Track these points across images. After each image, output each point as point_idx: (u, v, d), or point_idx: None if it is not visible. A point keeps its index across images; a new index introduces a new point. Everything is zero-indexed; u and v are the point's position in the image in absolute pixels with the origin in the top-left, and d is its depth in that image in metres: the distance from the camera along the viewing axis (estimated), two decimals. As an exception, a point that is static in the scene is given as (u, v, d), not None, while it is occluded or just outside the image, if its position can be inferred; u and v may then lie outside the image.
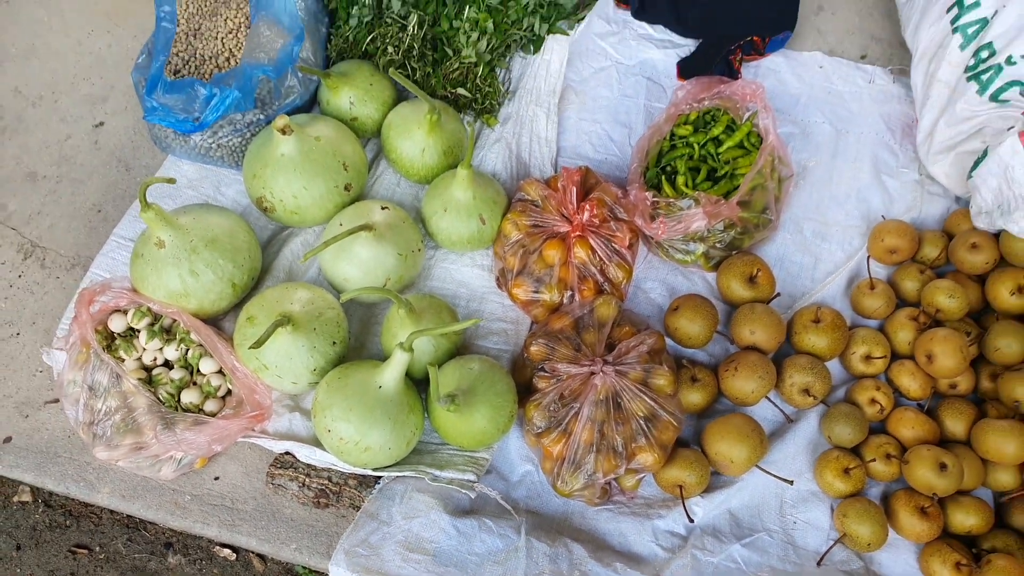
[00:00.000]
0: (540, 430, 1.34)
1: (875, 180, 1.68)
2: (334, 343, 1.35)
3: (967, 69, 1.51)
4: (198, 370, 1.36)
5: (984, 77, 1.48)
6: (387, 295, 1.29)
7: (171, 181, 1.31)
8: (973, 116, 1.50)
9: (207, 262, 1.35)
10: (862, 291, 1.52)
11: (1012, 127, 1.41)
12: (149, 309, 1.37)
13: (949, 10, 1.55)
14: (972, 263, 1.50)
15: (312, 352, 1.31)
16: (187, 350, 1.37)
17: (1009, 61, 1.45)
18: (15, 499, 1.47)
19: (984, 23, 1.49)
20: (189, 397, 1.33)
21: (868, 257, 1.56)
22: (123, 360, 1.36)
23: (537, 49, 1.76)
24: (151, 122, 1.46)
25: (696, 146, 1.60)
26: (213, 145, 1.55)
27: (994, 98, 1.47)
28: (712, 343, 1.50)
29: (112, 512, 1.62)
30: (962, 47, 1.52)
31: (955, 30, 1.53)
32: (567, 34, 1.77)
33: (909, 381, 1.44)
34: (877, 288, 1.51)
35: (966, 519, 1.31)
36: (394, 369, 1.26)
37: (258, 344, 1.21)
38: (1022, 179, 1.36)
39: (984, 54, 1.48)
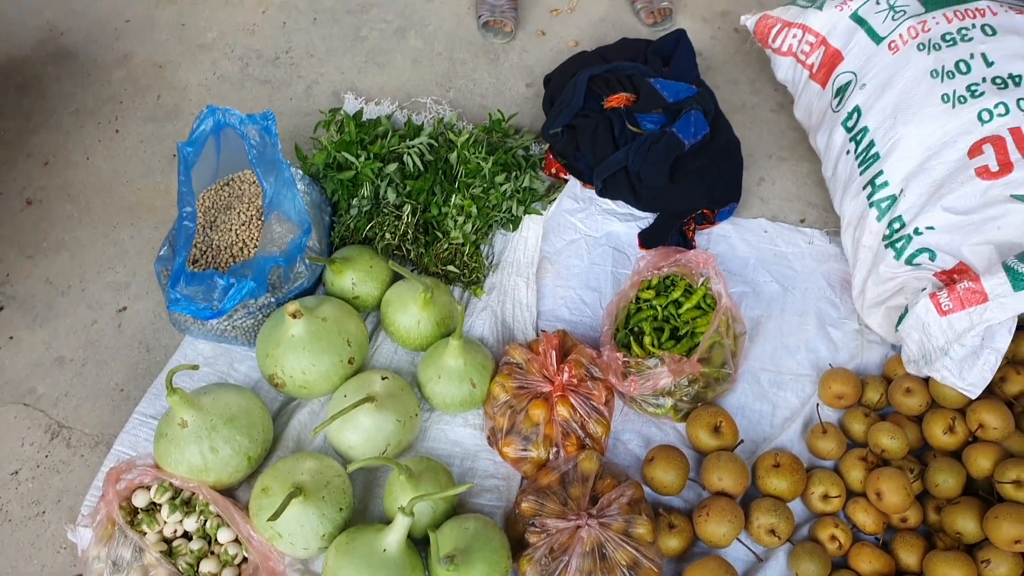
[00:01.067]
0: (533, 583, 1.45)
1: (821, 331, 1.89)
2: (341, 509, 1.48)
3: (884, 237, 1.75)
4: (216, 540, 1.48)
5: (898, 245, 1.71)
6: (389, 463, 1.44)
7: (194, 368, 1.48)
8: (894, 277, 1.73)
9: (225, 438, 1.50)
10: (816, 435, 1.69)
11: (925, 288, 1.63)
12: (171, 484, 1.50)
13: (864, 188, 1.81)
14: (908, 406, 1.68)
15: (321, 519, 1.44)
16: (205, 521, 1.49)
17: (917, 232, 1.68)
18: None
19: (894, 199, 1.74)
20: (208, 567, 1.44)
21: (818, 404, 1.75)
22: (145, 534, 1.48)
23: (516, 227, 2.00)
24: (174, 311, 1.64)
25: (659, 308, 1.81)
26: (228, 327, 1.74)
27: (908, 262, 1.69)
28: (686, 489, 1.64)
29: None
30: (878, 219, 1.76)
31: (871, 205, 1.78)
32: (541, 213, 2.02)
33: (864, 517, 1.58)
34: (829, 432, 1.68)
35: (927, 650, 1.42)
36: (397, 532, 1.39)
37: (275, 516, 1.34)
38: (937, 334, 1.57)
39: (896, 225, 1.72)
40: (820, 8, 1.98)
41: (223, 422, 1.50)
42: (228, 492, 1.55)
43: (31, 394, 1.75)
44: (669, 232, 1.98)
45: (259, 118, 1.80)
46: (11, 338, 1.83)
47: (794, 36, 2.04)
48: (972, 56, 1.69)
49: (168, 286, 1.65)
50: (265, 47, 2.44)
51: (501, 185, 1.98)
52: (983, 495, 1.55)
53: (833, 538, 1.55)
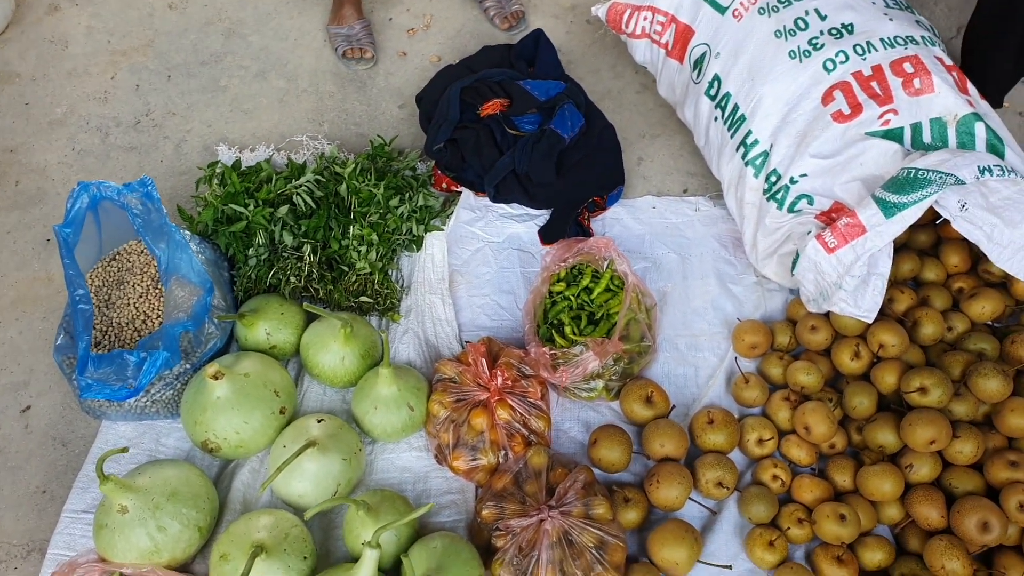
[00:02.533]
0: (509, 585, 1.48)
1: (723, 290, 2.00)
2: (305, 557, 1.46)
3: (764, 192, 1.88)
4: (180, 620, 1.43)
5: (779, 196, 1.84)
6: (345, 502, 1.43)
7: (124, 451, 1.43)
8: (780, 227, 1.86)
9: (172, 515, 1.45)
10: (739, 386, 1.80)
11: (810, 231, 1.77)
12: (122, 574, 1.43)
13: (737, 149, 1.93)
14: (816, 342, 1.81)
15: (288, 572, 1.42)
16: (165, 605, 1.44)
17: (792, 181, 1.81)
18: None
19: (766, 155, 1.87)
20: (177, 650, 1.39)
21: (736, 357, 1.86)
22: (104, 633, 1.41)
23: (419, 247, 2.02)
24: (87, 398, 1.57)
25: (572, 298, 1.87)
26: (148, 403, 1.67)
27: (790, 210, 1.82)
28: (632, 463, 1.71)
29: None
30: (755, 176, 1.89)
31: (747, 164, 1.90)
32: (442, 229, 2.04)
33: (798, 452, 1.69)
34: (751, 381, 1.79)
35: (873, 556, 1.54)
36: (367, 567, 1.39)
37: (242, 579, 1.31)
38: (829, 271, 1.70)
39: (773, 179, 1.85)
40: (664, -11, 2.09)
41: (165, 499, 1.45)
42: (184, 568, 1.49)
43: (-57, 519, 1.63)
44: (566, 224, 2.05)
45: (137, 185, 1.74)
46: (-93, 465, 1.70)
47: (645, 18, 2.16)
48: (807, 13, 1.84)
49: (76, 374, 1.57)
50: (122, 113, 2.36)
51: (397, 208, 1.99)
52: (895, 408, 1.69)
53: (775, 477, 1.65)
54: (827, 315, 1.83)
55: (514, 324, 1.96)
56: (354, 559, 1.49)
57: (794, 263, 1.80)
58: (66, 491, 1.64)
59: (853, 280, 1.68)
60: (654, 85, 2.35)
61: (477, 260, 2.05)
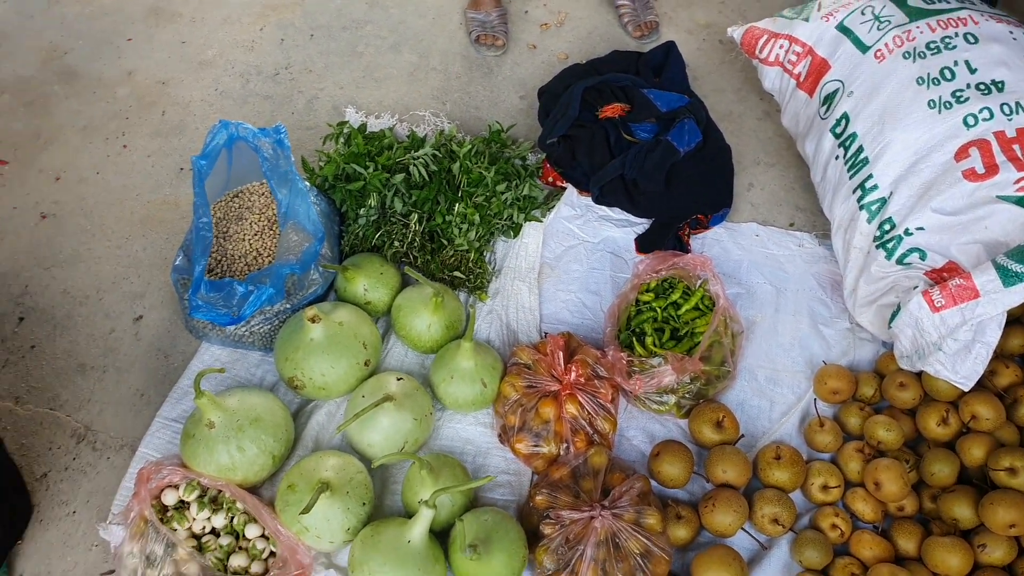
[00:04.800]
0: (550, 572, 1.51)
1: (813, 330, 1.97)
2: (364, 504, 1.54)
3: (875, 238, 1.83)
4: (244, 535, 1.53)
5: (889, 245, 1.79)
6: (411, 458, 1.50)
7: (221, 371, 1.54)
8: (885, 276, 1.81)
9: (252, 438, 1.55)
10: (813, 429, 1.77)
11: (917, 286, 1.72)
12: (199, 483, 1.55)
13: (854, 191, 1.90)
14: (902, 400, 1.77)
15: (346, 513, 1.50)
16: (233, 518, 1.54)
17: (907, 232, 1.76)
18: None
19: (883, 202, 1.83)
20: (237, 561, 1.49)
21: (815, 399, 1.83)
22: (175, 530, 1.52)
23: (516, 234, 2.07)
24: (196, 318, 1.69)
25: (659, 310, 1.88)
26: (246, 333, 1.79)
27: (900, 262, 1.78)
28: (690, 483, 1.71)
29: None
30: (868, 221, 1.85)
31: (861, 207, 1.86)
32: (540, 220, 2.09)
33: (863, 506, 1.66)
34: (826, 425, 1.76)
35: (925, 627, 1.50)
36: (421, 524, 1.45)
37: (306, 510, 1.40)
38: (930, 330, 1.65)
39: (887, 227, 1.80)
40: (807, 20, 2.07)
41: (249, 423, 1.55)
42: (252, 490, 1.60)
43: (55, 400, 1.79)
44: (665, 237, 2.06)
45: (271, 131, 1.86)
46: (32, 347, 1.87)
47: (781, 47, 2.14)
48: (956, 63, 1.78)
49: (189, 294, 1.70)
50: (264, 63, 2.50)
51: (502, 193, 2.05)
52: (977, 483, 1.63)
53: (834, 526, 1.62)
54: (919, 375, 1.78)
55: (595, 325, 1.98)
56: (408, 515, 1.55)
57: (893, 316, 1.75)
58: (162, 398, 1.77)
59: (955, 344, 1.63)
60: (777, 114, 2.33)
61: (569, 256, 2.08)
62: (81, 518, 1.63)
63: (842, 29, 2.02)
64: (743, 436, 1.77)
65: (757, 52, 2.21)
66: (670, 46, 2.30)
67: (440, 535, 1.57)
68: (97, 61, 2.46)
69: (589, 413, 1.71)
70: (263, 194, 2.00)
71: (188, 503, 1.55)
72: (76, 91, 2.38)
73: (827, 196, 2.02)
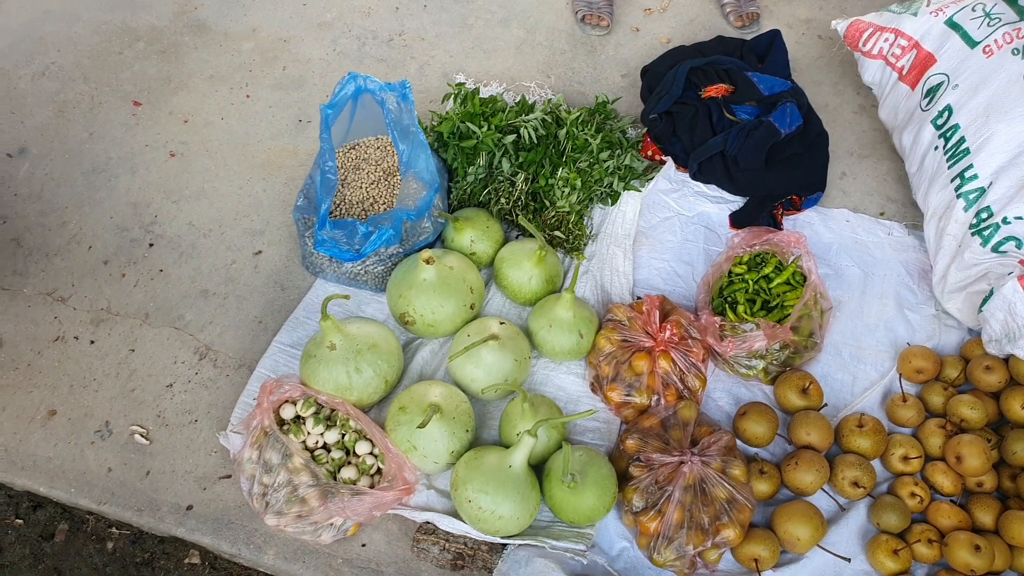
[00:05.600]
0: (638, 510, 1.60)
1: (899, 314, 2.02)
2: (467, 431, 1.64)
3: (971, 227, 1.88)
4: (354, 452, 1.64)
5: (986, 233, 1.84)
6: (517, 390, 1.60)
7: (347, 297, 1.66)
8: (978, 263, 1.85)
9: (369, 362, 1.67)
10: (896, 403, 1.82)
11: (1012, 272, 1.76)
12: (316, 400, 1.67)
13: (953, 180, 1.94)
14: (988, 382, 1.80)
15: (451, 437, 1.61)
16: (344, 435, 1.66)
17: (1005, 221, 1.80)
18: (186, 561, 1.70)
19: (982, 191, 1.87)
20: (347, 474, 1.61)
21: (899, 377, 1.88)
22: (292, 441, 1.64)
23: (615, 202, 2.16)
24: (319, 252, 1.82)
25: (751, 282, 1.95)
26: (361, 271, 1.91)
27: (995, 249, 1.82)
28: (773, 444, 1.78)
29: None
30: (965, 209, 1.89)
31: (959, 196, 1.91)
32: (639, 191, 2.17)
33: (942, 479, 1.70)
34: (909, 401, 1.81)
35: (1002, 594, 1.54)
36: (522, 452, 1.55)
37: (423, 425, 1.51)
38: (1023, 313, 1.69)
39: (984, 215, 1.85)
40: (915, 14, 2.12)
41: (367, 348, 1.67)
42: (364, 411, 1.71)
43: (180, 320, 1.94)
44: (760, 214, 2.12)
45: (397, 86, 1.98)
46: (161, 271, 2.02)
47: (886, 40, 2.19)
48: (1066, 60, 1.82)
49: (315, 230, 1.83)
50: (380, 29, 2.64)
51: (605, 161, 2.14)
52: (1057, 464, 1.66)
53: (913, 495, 1.68)
54: (1006, 360, 1.81)
55: (686, 293, 2.06)
56: (506, 447, 1.65)
57: (984, 300, 1.80)
58: (278, 325, 1.90)
59: (1046, 329, 1.67)
60: (873, 109, 2.37)
61: (664, 227, 2.16)
62: (202, 426, 1.77)
63: (951, 24, 2.06)
64: (826, 405, 1.83)
65: (860, 45, 2.26)
66: (775, 34, 2.36)
67: (534, 469, 1.66)
68: (225, 17, 2.63)
69: (681, 369, 1.79)
70: (379, 147, 2.12)
71: (304, 418, 1.67)
72: (205, 43, 2.55)
73: (922, 186, 2.06)
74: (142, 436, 1.76)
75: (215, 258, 2.06)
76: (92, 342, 1.91)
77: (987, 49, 1.95)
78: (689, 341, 1.82)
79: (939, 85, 2.03)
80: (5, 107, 2.35)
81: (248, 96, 2.42)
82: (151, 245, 2.07)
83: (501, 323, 1.80)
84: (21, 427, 1.78)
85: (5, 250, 2.05)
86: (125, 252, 2.06)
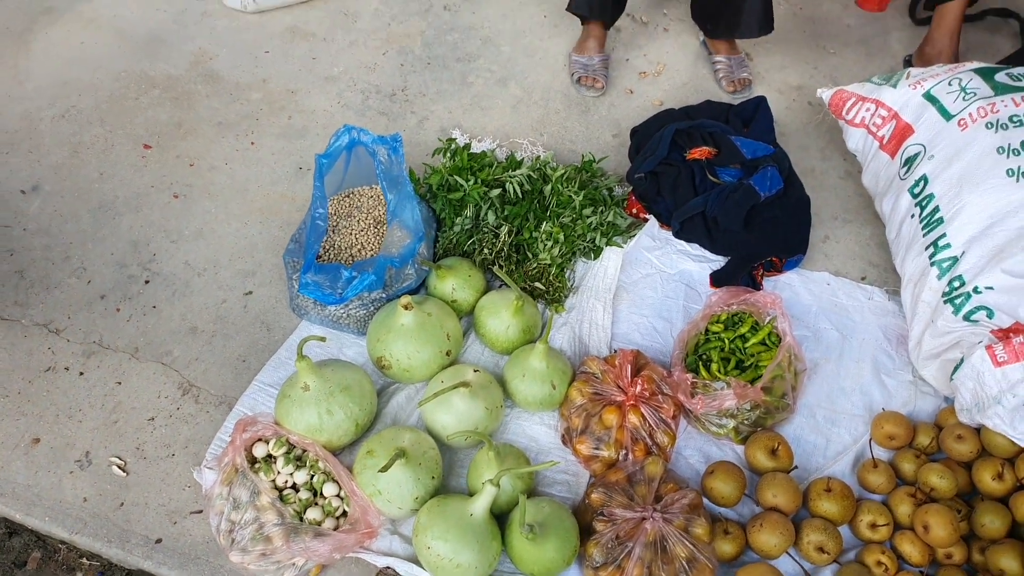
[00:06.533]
0: (598, 564, 1.60)
1: (875, 378, 2.03)
2: (432, 477, 1.66)
3: (944, 295, 1.90)
4: (321, 493, 1.67)
5: (957, 301, 1.86)
6: (484, 438, 1.63)
7: (322, 339, 1.71)
8: (951, 331, 1.87)
9: (340, 404, 1.71)
10: (867, 469, 1.82)
11: (981, 341, 1.78)
12: (288, 440, 1.71)
13: (927, 248, 1.97)
14: (959, 451, 1.80)
15: (416, 483, 1.63)
16: (313, 476, 1.69)
17: (976, 290, 1.82)
18: (151, 595, 1.73)
19: (955, 260, 1.89)
20: (312, 515, 1.63)
21: (871, 440, 1.88)
22: (261, 480, 1.68)
23: (597, 256, 2.20)
24: (304, 295, 1.88)
25: (726, 340, 1.98)
26: (344, 315, 1.97)
27: (966, 318, 1.84)
28: (740, 504, 1.78)
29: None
30: (939, 277, 1.92)
31: (932, 264, 1.93)
32: (621, 247, 2.22)
33: (910, 548, 1.69)
34: (879, 467, 1.81)
35: (962, 669, 1.52)
36: (483, 501, 1.57)
37: (384, 469, 1.54)
38: (991, 384, 1.70)
39: (956, 284, 1.87)
40: (894, 86, 2.18)
41: (339, 390, 1.71)
42: (334, 453, 1.74)
43: (168, 355, 1.99)
44: (740, 274, 2.16)
45: (388, 139, 2.06)
46: (154, 307, 2.09)
47: (867, 109, 2.25)
48: (1038, 136, 1.86)
49: (300, 272, 1.89)
50: (384, 83, 2.75)
51: (588, 217, 2.20)
52: (1026, 538, 1.65)
53: (880, 563, 1.66)
54: (977, 429, 1.81)
55: (663, 349, 2.08)
56: (471, 495, 1.67)
57: (956, 368, 1.81)
58: (260, 365, 1.95)
59: (1015, 399, 1.68)
60: (858, 175, 2.42)
61: (645, 284, 2.20)
62: (179, 461, 1.81)
63: (928, 97, 2.12)
64: (796, 467, 1.83)
65: (844, 113, 2.32)
66: (760, 100, 2.44)
67: (499, 519, 1.68)
68: (238, 68, 2.75)
69: (650, 425, 1.81)
70: (372, 197, 2.20)
71: (275, 457, 1.71)
72: (216, 91, 2.67)
73: (900, 252, 2.09)
74: (120, 468, 1.81)
75: (207, 297, 2.12)
76: (81, 373, 1.97)
77: (962, 122, 2.00)
78: (660, 397, 1.84)
79: (916, 155, 2.08)
80: (25, 146, 2.47)
81: (253, 143, 2.52)
82: (147, 282, 2.15)
83: (475, 371, 1.84)
84: (5, 453, 1.83)
85: (9, 281, 2.14)
86: (122, 288, 2.13)
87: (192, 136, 2.52)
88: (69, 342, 2.02)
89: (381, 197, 2.20)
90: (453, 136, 2.53)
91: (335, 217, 2.15)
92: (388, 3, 3.03)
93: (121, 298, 2.11)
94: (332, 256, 2.07)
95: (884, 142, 2.20)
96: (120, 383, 1.95)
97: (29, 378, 1.95)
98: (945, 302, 1.89)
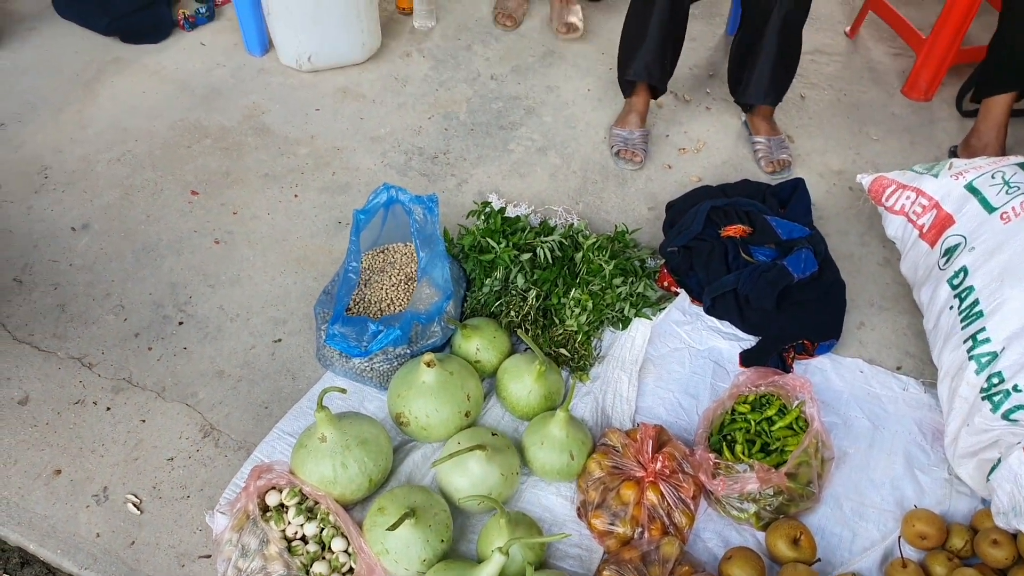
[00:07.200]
0: (605, 646, 1.54)
1: (908, 473, 1.95)
2: (442, 540, 1.63)
3: (982, 391, 1.84)
4: (329, 547, 1.65)
5: (996, 399, 1.80)
6: (496, 505, 1.60)
7: (343, 391, 1.71)
8: (989, 430, 1.80)
9: (356, 459, 1.70)
10: (896, 568, 1.73)
11: (1020, 442, 1.71)
12: (301, 490, 1.70)
13: (965, 341, 1.92)
14: (994, 557, 1.71)
15: (425, 545, 1.60)
16: (323, 529, 1.67)
17: (1016, 388, 1.76)
18: (150, 640, 1.71)
19: (994, 356, 1.84)
20: (319, 569, 1.61)
21: (901, 538, 1.80)
22: (271, 529, 1.66)
23: (625, 327, 2.19)
24: (329, 345, 1.90)
25: (752, 422, 1.94)
26: (367, 368, 1.98)
27: (1005, 417, 1.77)
28: (759, 595, 1.71)
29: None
30: (977, 372, 1.86)
31: (971, 358, 1.88)
32: (650, 319, 2.21)
33: (938, 657, 1.60)
34: (909, 567, 1.73)
35: None
36: (491, 569, 1.53)
37: (394, 527, 1.51)
38: (1029, 486, 1.63)
39: (995, 380, 1.81)
40: (936, 176, 2.17)
41: (356, 444, 1.71)
42: (346, 508, 1.73)
43: (193, 397, 2.02)
44: (770, 355, 2.12)
45: (425, 199, 2.11)
46: (185, 348, 2.13)
47: (907, 198, 2.23)
48: (1080, 234, 1.83)
49: (328, 324, 1.92)
50: (427, 146, 2.82)
51: (618, 287, 2.19)
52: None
53: (903, 669, 1.57)
54: (1014, 535, 1.73)
55: (687, 426, 2.04)
56: (479, 563, 1.63)
57: (992, 469, 1.74)
58: (282, 413, 1.97)
59: (1054, 505, 1.60)
60: (896, 263, 2.39)
61: (673, 358, 2.18)
62: (193, 503, 1.82)
63: (970, 189, 2.10)
64: (819, 560, 1.76)
65: (884, 200, 2.31)
66: (798, 182, 2.44)
67: (507, 589, 1.63)
68: (288, 123, 2.86)
69: (669, 504, 1.76)
70: (405, 254, 2.24)
71: (287, 507, 1.70)
72: (265, 144, 2.77)
73: (937, 343, 2.04)
74: (135, 506, 1.81)
75: (237, 342, 2.16)
76: (108, 408, 2.00)
77: (1004, 216, 1.98)
78: (681, 475, 1.80)
79: (956, 246, 2.05)
80: (80, 186, 2.57)
81: (296, 196, 2.59)
82: (180, 323, 2.19)
83: (493, 434, 1.82)
84: (27, 483, 1.85)
85: (51, 314, 2.20)
86: (156, 327, 2.18)
87: (238, 185, 2.61)
88: (100, 377, 2.06)
89: (414, 254, 2.23)
90: (489, 200, 2.57)
91: (368, 271, 2.19)
92: (438, 70, 3.14)
93: (154, 337, 2.16)
94: (361, 309, 2.09)
95: (924, 231, 2.18)
96: (144, 421, 1.97)
97: (59, 409, 1.99)
98: (983, 398, 1.82)
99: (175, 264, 2.35)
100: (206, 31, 3.24)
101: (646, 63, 2.61)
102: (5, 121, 2.78)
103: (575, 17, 3.30)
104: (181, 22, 3.21)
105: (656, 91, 2.77)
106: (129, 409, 2.00)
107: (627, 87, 2.77)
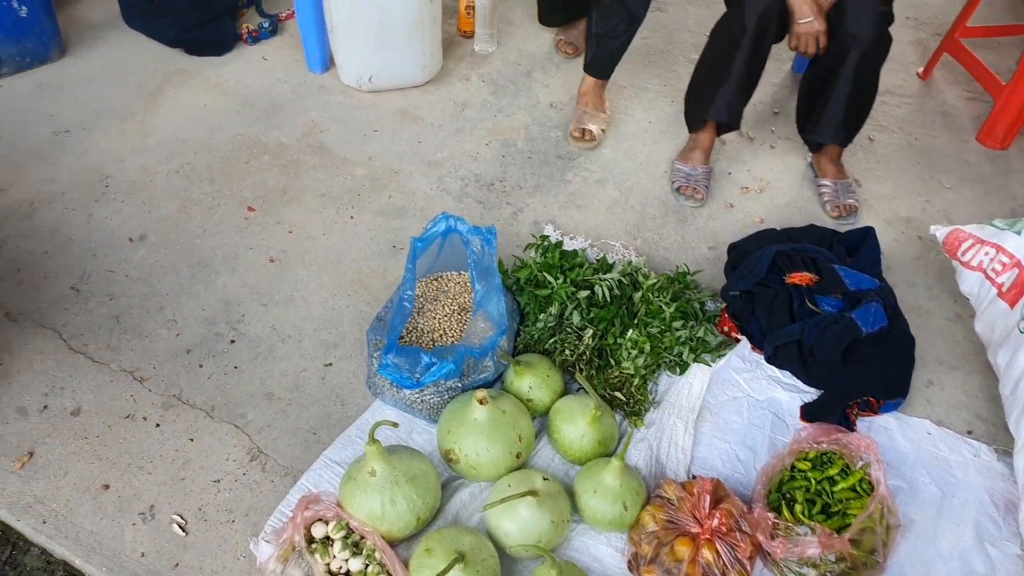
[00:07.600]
0: None
1: (978, 546, 1.85)
2: (489, 587, 1.58)
3: (1063, 465, 1.75)
4: (373, 585, 1.61)
5: (1078, 475, 1.70)
6: (546, 554, 1.54)
7: (395, 425, 1.68)
8: (1069, 506, 1.70)
9: (405, 495, 1.66)
10: (964, 649, 1.64)
11: (1106, 524, 1.60)
12: (347, 524, 1.66)
13: (1046, 411, 1.83)
14: (1073, 645, 1.61)
15: (472, 591, 1.55)
16: (368, 565, 1.63)
17: (1101, 465, 1.68)
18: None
19: (1077, 428, 1.75)
20: (362, 607, 1.57)
21: (971, 617, 1.70)
22: (316, 562, 1.63)
23: (683, 372, 2.13)
24: (382, 375, 1.87)
25: (813, 481, 1.85)
26: (418, 400, 1.94)
27: (1089, 494, 1.68)
28: (817, 668, 1.62)
29: None
30: (1058, 444, 1.77)
31: (1051, 429, 1.79)
32: (709, 365, 2.14)
33: None
34: (979, 650, 1.63)
35: None
36: (539, 622, 1.47)
37: (442, 574, 1.46)
38: (1116, 574, 1.53)
39: (1078, 454, 1.72)
40: (1018, 233, 2.07)
41: (406, 480, 1.67)
42: (392, 545, 1.69)
43: (242, 418, 2.00)
44: (833, 411, 2.04)
45: (484, 231, 2.07)
46: (236, 367, 2.12)
47: (986, 254, 2.14)
48: None
49: (381, 353, 1.89)
50: (484, 173, 2.79)
51: (677, 331, 2.13)
52: None
53: None
54: (1097, 624, 1.62)
55: (744, 480, 1.97)
56: (526, 613, 1.58)
57: (1074, 551, 1.63)
58: (330, 439, 1.93)
59: None
60: (969, 319, 2.29)
61: (731, 407, 2.10)
62: (238, 528, 1.79)
63: (1055, 248, 2.00)
64: (883, 635, 1.67)
65: (959, 254, 2.22)
66: (868, 231, 2.36)
67: (551, 643, 1.57)
68: (346, 143, 2.86)
69: (724, 563, 1.68)
70: (460, 283, 2.20)
71: (333, 540, 1.66)
72: (323, 163, 2.77)
73: (1015, 411, 1.94)
74: (180, 527, 1.79)
75: (288, 364, 2.14)
76: (158, 425, 1.99)
77: (1093, 280, 1.88)
78: (738, 534, 1.72)
79: (1039, 309, 1.95)
80: (139, 197, 2.60)
81: (352, 217, 2.58)
82: (232, 342, 2.18)
83: (545, 479, 1.77)
84: (75, 496, 1.85)
85: (105, 325, 2.21)
86: (208, 344, 2.17)
87: (295, 204, 2.61)
88: (151, 392, 2.06)
89: (468, 284, 2.20)
90: (546, 233, 2.53)
91: (421, 299, 2.16)
92: (497, 95, 3.12)
93: (206, 354, 2.15)
94: (414, 339, 2.06)
95: (1003, 290, 2.08)
96: (192, 440, 1.96)
97: (109, 423, 1.98)
98: (1065, 474, 1.73)
99: (229, 280, 2.35)
100: (268, 46, 3.28)
101: (728, 102, 2.54)
102: (71, 128, 2.82)
103: (596, 126, 2.90)
104: (244, 36, 3.24)
105: (725, 128, 2.72)
106: (178, 427, 1.98)
107: (696, 123, 2.72)
